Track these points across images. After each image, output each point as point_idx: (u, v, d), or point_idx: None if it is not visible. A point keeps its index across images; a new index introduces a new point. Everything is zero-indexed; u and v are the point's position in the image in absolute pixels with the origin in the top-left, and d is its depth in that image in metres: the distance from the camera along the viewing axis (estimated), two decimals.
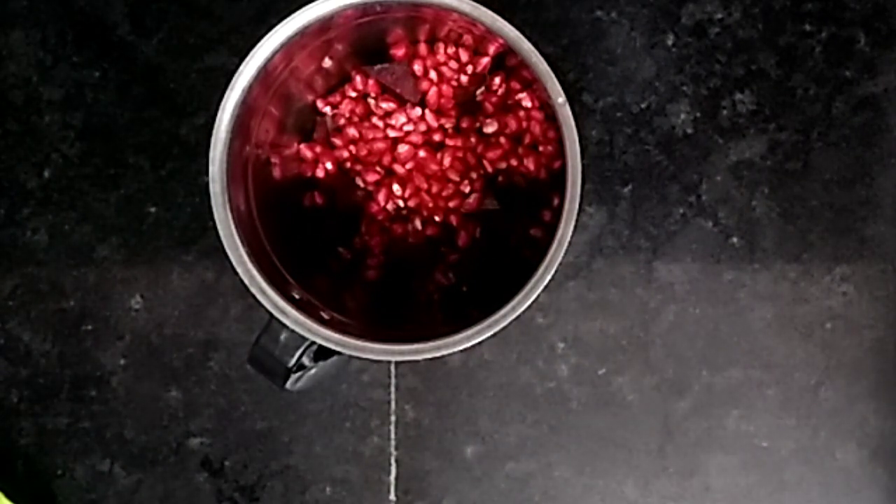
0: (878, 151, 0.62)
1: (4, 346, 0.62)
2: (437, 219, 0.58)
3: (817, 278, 0.62)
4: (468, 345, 0.50)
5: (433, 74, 0.57)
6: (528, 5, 0.62)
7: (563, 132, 0.50)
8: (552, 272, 0.50)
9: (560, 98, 0.50)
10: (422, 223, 0.58)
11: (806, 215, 0.62)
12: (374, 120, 0.58)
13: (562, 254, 0.50)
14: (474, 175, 0.58)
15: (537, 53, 0.50)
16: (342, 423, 0.62)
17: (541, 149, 0.57)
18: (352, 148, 0.58)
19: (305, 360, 0.53)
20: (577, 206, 0.50)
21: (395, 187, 0.58)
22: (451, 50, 0.57)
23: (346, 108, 0.58)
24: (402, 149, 0.57)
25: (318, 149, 0.58)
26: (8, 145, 0.63)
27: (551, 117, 0.54)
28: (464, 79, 0.57)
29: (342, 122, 0.58)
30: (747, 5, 0.62)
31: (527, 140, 0.57)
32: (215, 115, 0.51)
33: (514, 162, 0.57)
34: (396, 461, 0.62)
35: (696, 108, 0.62)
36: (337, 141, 0.58)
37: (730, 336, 0.62)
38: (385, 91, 0.58)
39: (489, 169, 0.57)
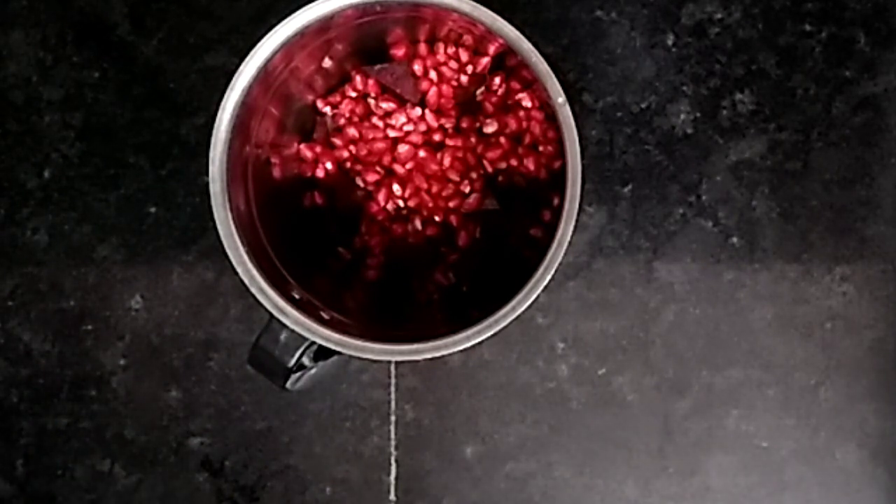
0: (878, 151, 0.62)
1: (4, 346, 0.62)
2: (437, 219, 0.58)
3: (817, 278, 0.62)
4: (468, 345, 0.50)
5: (433, 74, 0.57)
6: (528, 5, 0.62)
7: (563, 132, 0.50)
8: (552, 272, 0.50)
9: (560, 98, 0.50)
10: (422, 223, 0.58)
11: (806, 215, 0.62)
12: (374, 120, 0.58)
13: (562, 254, 0.50)
14: (474, 175, 0.58)
15: (537, 53, 0.50)
16: (342, 423, 0.62)
17: (541, 149, 0.57)
18: (352, 148, 0.58)
19: (305, 360, 0.53)
20: (577, 206, 0.50)
21: (395, 187, 0.58)
22: (451, 50, 0.57)
23: (346, 108, 0.58)
24: (402, 149, 0.57)
25: (318, 149, 0.58)
26: (8, 145, 0.63)
27: (551, 117, 0.54)
28: (464, 79, 0.57)
29: (342, 122, 0.58)
30: (747, 5, 0.62)
31: (527, 140, 0.57)
32: (215, 115, 0.51)
33: (514, 162, 0.57)
34: (396, 461, 0.62)
35: (696, 108, 0.62)
36: (337, 141, 0.58)
37: (730, 336, 0.62)
38: (385, 91, 0.58)
39: (489, 169, 0.57)
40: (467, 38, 0.56)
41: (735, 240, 0.62)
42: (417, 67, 0.57)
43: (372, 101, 0.58)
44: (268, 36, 0.51)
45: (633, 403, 0.62)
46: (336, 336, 0.50)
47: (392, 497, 0.62)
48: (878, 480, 0.62)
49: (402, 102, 0.57)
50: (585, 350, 0.62)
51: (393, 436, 0.62)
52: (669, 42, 0.62)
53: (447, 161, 0.57)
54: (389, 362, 0.62)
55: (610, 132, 0.62)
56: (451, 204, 0.58)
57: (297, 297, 0.52)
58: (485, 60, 0.57)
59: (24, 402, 0.62)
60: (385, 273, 0.58)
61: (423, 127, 0.57)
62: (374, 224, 0.58)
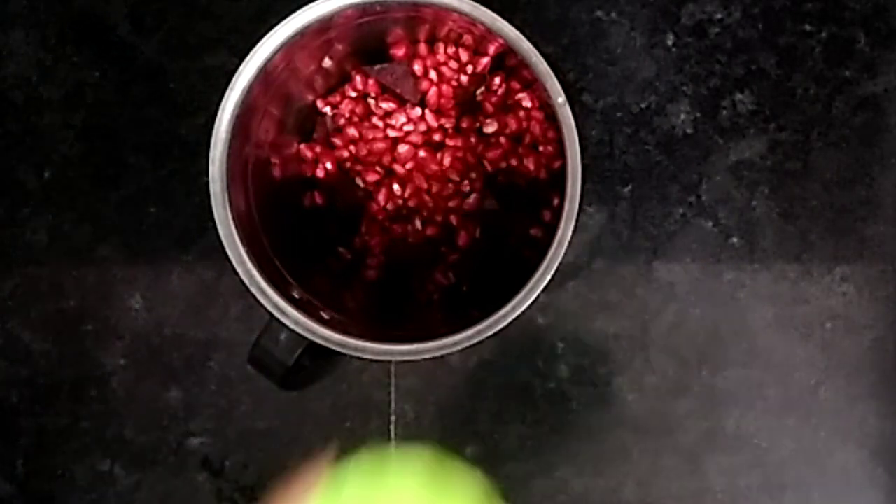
0: (878, 151, 0.62)
1: (4, 346, 0.62)
2: (437, 219, 0.58)
3: (817, 278, 0.62)
4: (468, 345, 0.50)
5: (433, 74, 0.57)
6: (528, 5, 0.62)
7: (563, 132, 0.50)
8: (552, 272, 0.50)
9: (560, 98, 0.50)
10: (422, 223, 0.58)
11: (806, 215, 0.62)
12: (374, 120, 0.58)
13: (562, 254, 0.50)
14: (474, 175, 0.58)
15: (537, 53, 0.50)
16: (342, 423, 0.62)
17: (541, 149, 0.57)
18: (352, 148, 0.58)
19: (305, 360, 0.53)
20: (577, 206, 0.50)
21: (395, 187, 0.58)
22: (451, 50, 0.57)
23: (346, 108, 0.58)
24: (402, 149, 0.57)
25: (318, 149, 0.58)
26: (8, 145, 0.63)
27: (551, 117, 0.54)
28: (464, 79, 0.57)
29: (342, 122, 0.58)
30: (747, 5, 0.62)
31: (527, 140, 0.57)
32: (215, 115, 0.51)
33: (514, 162, 0.57)
34: None
35: (696, 108, 0.62)
36: (337, 141, 0.58)
37: (730, 336, 0.62)
38: (385, 91, 0.58)
39: (489, 169, 0.57)
40: (467, 38, 0.56)
41: (735, 240, 0.62)
42: (417, 67, 0.57)
43: (372, 101, 0.58)
44: (268, 36, 0.51)
45: (633, 403, 0.62)
46: (336, 336, 0.50)
47: None
48: (878, 480, 0.62)
49: (402, 102, 0.57)
50: (585, 350, 0.62)
51: (393, 436, 0.62)
52: (669, 42, 0.62)
53: (447, 161, 0.57)
54: (389, 362, 0.62)
55: (610, 132, 0.62)
56: (451, 204, 0.58)
57: (297, 297, 0.52)
58: (485, 60, 0.57)
59: (24, 402, 0.62)
60: (385, 273, 0.58)
61: (423, 127, 0.57)
62: (374, 224, 0.58)
